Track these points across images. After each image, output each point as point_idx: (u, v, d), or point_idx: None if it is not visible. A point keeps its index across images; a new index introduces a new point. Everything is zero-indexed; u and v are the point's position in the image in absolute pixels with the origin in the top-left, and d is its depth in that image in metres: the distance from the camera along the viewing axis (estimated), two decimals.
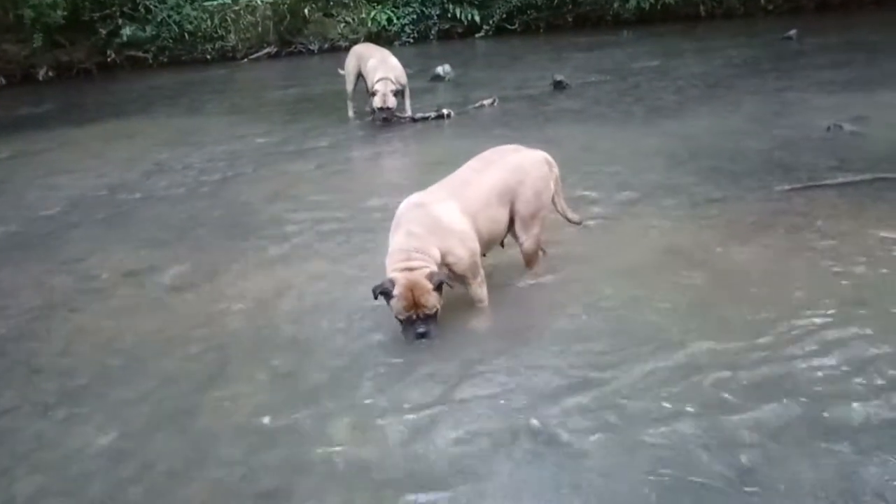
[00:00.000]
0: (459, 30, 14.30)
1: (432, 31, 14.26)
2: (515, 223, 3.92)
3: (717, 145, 6.36)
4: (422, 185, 5.84)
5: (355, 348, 3.55)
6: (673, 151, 6.27)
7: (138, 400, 3.29)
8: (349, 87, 8.48)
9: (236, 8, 13.46)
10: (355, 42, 10.63)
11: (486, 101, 8.64)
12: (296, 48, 13.94)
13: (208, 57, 13.66)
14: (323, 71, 11.83)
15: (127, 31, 13.07)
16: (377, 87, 7.79)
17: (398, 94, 7.97)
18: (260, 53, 13.81)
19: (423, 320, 3.43)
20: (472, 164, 3.93)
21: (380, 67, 7.90)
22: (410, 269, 3.37)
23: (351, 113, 8.52)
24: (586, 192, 5.40)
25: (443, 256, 3.50)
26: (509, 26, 14.36)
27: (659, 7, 13.83)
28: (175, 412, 3.17)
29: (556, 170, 4.09)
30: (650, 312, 3.62)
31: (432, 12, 14.13)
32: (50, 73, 13.02)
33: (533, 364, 3.27)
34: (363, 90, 8.29)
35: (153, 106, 10.46)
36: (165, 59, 13.49)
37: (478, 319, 3.71)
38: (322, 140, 7.73)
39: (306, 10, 13.78)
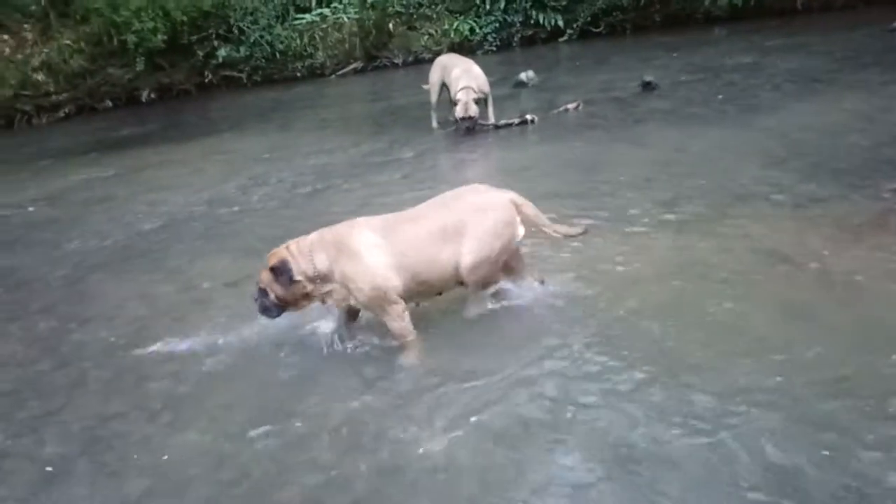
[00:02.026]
0: (543, 35, 14.19)
1: (515, 39, 14.22)
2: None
3: (819, 143, 6.01)
4: (503, 188, 5.81)
5: (440, 358, 3.55)
6: (771, 150, 5.98)
7: (237, 405, 3.40)
8: (433, 97, 8.55)
9: (324, 26, 13.85)
10: (438, 53, 10.72)
11: (571, 105, 8.52)
12: (381, 62, 14.21)
13: (298, 74, 14.12)
14: (407, 83, 11.99)
15: (222, 53, 13.68)
16: (459, 96, 7.83)
17: (481, 102, 7.97)
18: (347, 69, 14.16)
19: (260, 292, 3.63)
20: (432, 201, 3.81)
21: (463, 77, 7.93)
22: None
23: (435, 123, 8.59)
24: (680, 194, 5.21)
25: (342, 281, 3.56)
26: (594, 29, 14.13)
27: (752, 2, 13.27)
28: (271, 417, 3.25)
29: (528, 209, 3.81)
30: (753, 319, 3.44)
31: (515, 19, 14.09)
32: (152, 95, 13.79)
33: (644, 370, 3.16)
34: (447, 100, 8.34)
35: (247, 123, 10.89)
36: (258, 78, 14.03)
37: (405, 355, 3.60)
38: (407, 151, 7.82)
39: (391, 25, 14.03)
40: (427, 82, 8.66)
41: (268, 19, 13.81)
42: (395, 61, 14.19)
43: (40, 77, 12.95)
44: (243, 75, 14.01)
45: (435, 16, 14.14)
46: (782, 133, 6.40)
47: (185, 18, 13.23)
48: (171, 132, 10.92)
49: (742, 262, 4.06)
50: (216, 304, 4.57)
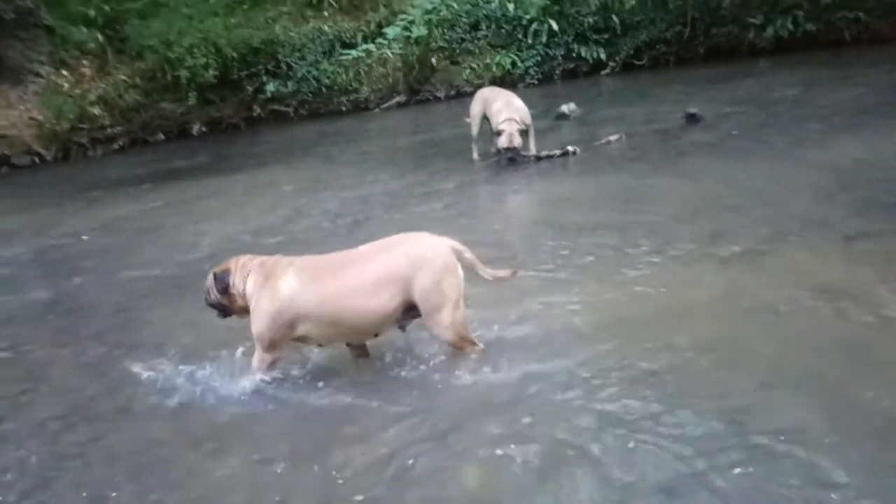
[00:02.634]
0: (585, 68, 14.23)
1: (556, 72, 14.29)
2: (422, 315, 3.71)
3: (870, 176, 5.87)
4: (546, 222, 5.80)
5: (477, 389, 3.52)
6: (820, 183, 5.85)
7: (277, 435, 3.41)
8: (474, 130, 8.62)
9: (369, 61, 14.13)
10: (480, 87, 10.81)
11: (613, 137, 8.49)
12: (423, 96, 14.41)
13: (343, 108, 14.40)
14: (449, 117, 12.13)
15: (271, 88, 14.05)
16: (502, 126, 7.88)
17: (522, 134, 8.01)
18: (390, 103, 14.39)
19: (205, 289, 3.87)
20: (371, 246, 3.82)
21: (505, 109, 7.99)
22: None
23: (476, 155, 8.64)
24: (726, 227, 5.12)
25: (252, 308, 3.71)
26: (637, 62, 14.13)
27: (799, 34, 13.12)
28: (311, 447, 3.26)
29: (467, 254, 3.80)
30: (803, 356, 3.34)
31: (556, 53, 14.18)
32: (202, 129, 14.20)
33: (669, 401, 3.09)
34: (488, 133, 8.40)
35: (293, 156, 11.12)
36: (305, 112, 14.35)
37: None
38: (448, 182, 7.87)
39: (434, 60, 14.25)
40: (469, 115, 8.75)
41: (315, 55, 14.16)
42: (438, 95, 14.37)
43: (96, 111, 13.46)
44: (290, 109, 14.34)
45: (477, 50, 14.32)
46: (832, 166, 6.27)
47: (235, 55, 13.65)
48: (220, 164, 11.21)
49: (792, 297, 3.95)
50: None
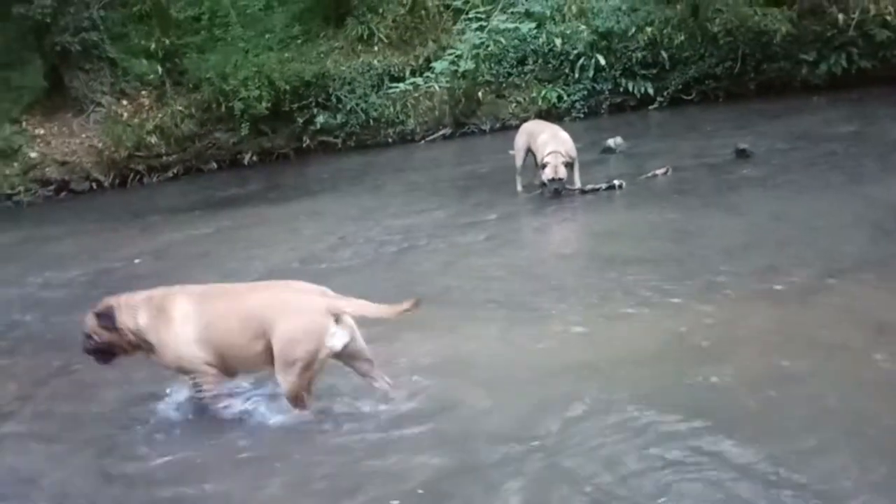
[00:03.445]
0: (632, 103, 14.17)
1: (603, 106, 14.26)
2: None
3: None
4: (590, 255, 5.75)
5: (514, 422, 3.47)
6: (879, 221, 5.67)
7: (314, 465, 3.41)
8: (518, 162, 8.63)
9: (416, 94, 14.35)
10: (525, 120, 10.85)
11: (660, 171, 8.40)
12: (469, 128, 14.53)
13: (390, 140, 14.60)
14: (493, 149, 12.18)
15: (320, 119, 14.35)
16: (548, 159, 7.86)
17: (568, 167, 7.98)
18: (436, 135, 14.54)
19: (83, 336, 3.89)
20: (257, 283, 3.98)
21: (550, 142, 7.99)
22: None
23: (520, 187, 8.64)
24: (778, 262, 4.99)
25: (155, 345, 3.75)
26: (685, 96, 14.02)
27: (853, 71, 12.86)
28: (353, 477, 3.24)
29: (350, 309, 3.66)
30: (859, 398, 3.20)
31: (603, 87, 14.16)
32: (254, 158, 14.54)
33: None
34: (532, 166, 8.40)
35: (340, 185, 11.30)
36: (352, 144, 14.59)
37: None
38: (491, 213, 7.88)
39: (480, 93, 14.39)
40: (513, 148, 8.77)
41: (364, 88, 14.44)
42: (483, 128, 14.47)
43: (153, 139, 13.93)
44: (338, 140, 14.60)
45: (523, 84, 14.40)
46: (889, 203, 6.09)
47: (287, 87, 14.01)
48: (269, 193, 11.45)
49: (846, 335, 3.82)
50: None
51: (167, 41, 14.43)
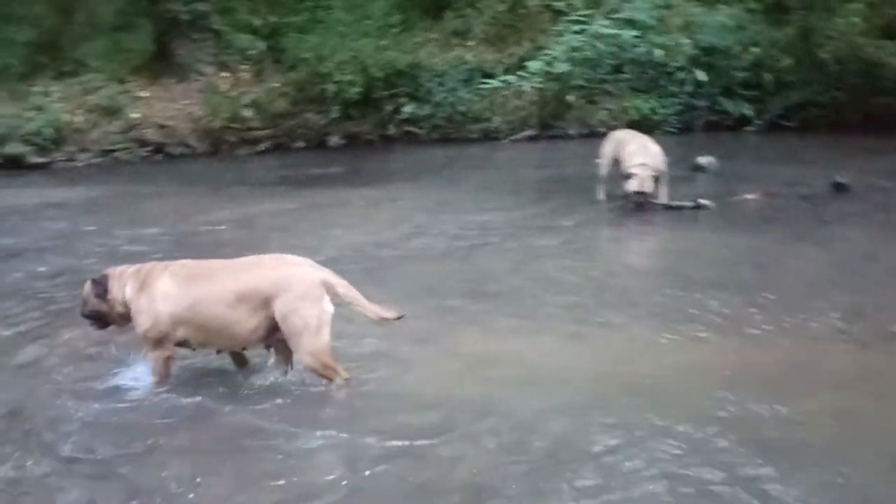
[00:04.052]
0: (728, 123, 13.73)
1: (697, 123, 13.86)
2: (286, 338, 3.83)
3: None
4: (665, 273, 5.61)
5: (573, 427, 3.42)
6: None
7: (369, 446, 3.45)
8: (603, 170, 8.49)
9: (505, 93, 14.31)
10: (614, 129, 10.65)
11: (750, 196, 8.10)
12: (555, 132, 14.40)
13: (473, 136, 14.62)
14: (578, 154, 12.02)
15: (408, 109, 14.51)
16: (635, 170, 7.68)
17: (655, 181, 7.79)
18: (520, 135, 14.47)
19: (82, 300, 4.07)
20: (243, 259, 4.03)
21: (639, 153, 7.82)
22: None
23: (601, 195, 8.50)
24: (864, 303, 4.74)
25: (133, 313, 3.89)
26: (785, 122, 13.47)
27: None
28: (404, 459, 3.27)
29: (341, 289, 3.85)
30: None
31: (700, 104, 13.78)
32: (340, 141, 14.84)
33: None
34: (616, 175, 8.24)
35: (420, 176, 11.40)
36: (436, 136, 14.69)
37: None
38: (569, 219, 7.78)
39: (570, 97, 14.24)
40: (599, 155, 8.63)
41: (454, 82, 14.51)
42: (570, 132, 14.32)
43: (248, 113, 14.41)
44: (423, 131, 14.73)
45: (617, 92, 14.17)
46: None
47: (380, 75, 14.22)
48: (351, 176, 11.66)
49: None
50: (363, 340, 4.75)
51: (272, 18, 14.89)
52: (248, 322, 3.82)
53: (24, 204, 9.96)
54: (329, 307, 3.83)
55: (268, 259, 4.08)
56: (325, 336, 3.82)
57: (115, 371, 4.19)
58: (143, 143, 14.11)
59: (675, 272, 6.03)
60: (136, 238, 7.69)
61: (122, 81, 14.45)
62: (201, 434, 3.62)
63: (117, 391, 4.01)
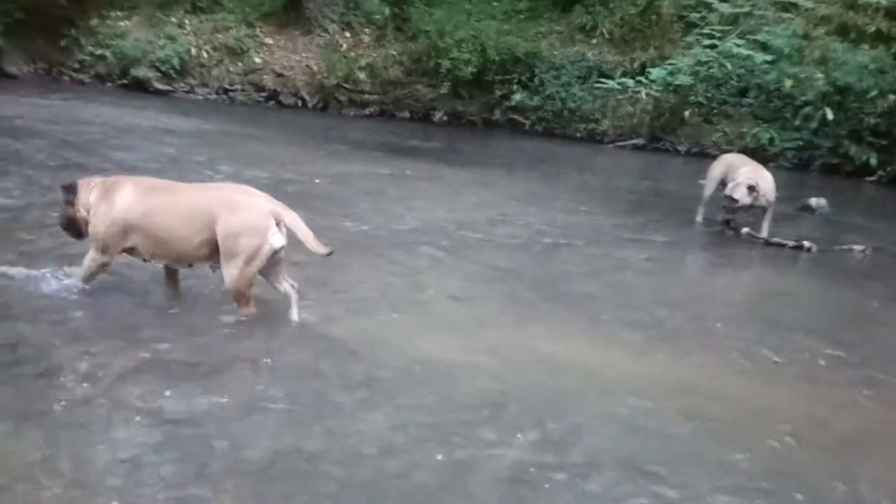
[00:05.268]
0: (848, 168, 12.93)
1: (816, 162, 13.14)
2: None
3: None
4: (752, 309, 5.37)
5: (616, 440, 3.33)
6: None
7: (416, 409, 3.49)
8: (707, 192, 8.16)
9: (620, 97, 13.99)
10: (726, 152, 10.24)
11: (858, 247, 7.61)
12: (663, 145, 13.99)
13: (578, 135, 14.39)
14: (683, 172, 11.66)
15: (517, 97, 14.43)
16: (740, 178, 7.35)
17: (761, 211, 7.43)
18: (626, 142, 14.14)
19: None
20: (207, 184, 4.62)
21: (751, 175, 7.49)
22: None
23: (699, 218, 8.19)
24: None
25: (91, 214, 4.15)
26: None
27: None
28: (439, 442, 3.28)
29: (287, 219, 4.06)
30: None
31: (822, 143, 13.04)
32: (444, 118, 14.94)
33: None
34: (719, 200, 7.90)
35: (515, 165, 11.33)
36: (540, 129, 14.55)
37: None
38: (660, 235, 7.54)
39: (687, 113, 13.78)
40: (705, 177, 8.30)
41: (570, 77, 14.30)
42: (679, 148, 13.88)
43: (362, 76, 14.71)
44: (528, 122, 14.62)
45: (736, 116, 13.62)
46: None
47: (497, 58, 14.18)
48: (448, 154, 11.71)
49: None
50: (432, 312, 4.81)
51: None
52: (193, 238, 4.06)
53: (140, 125, 10.54)
54: (275, 240, 4.03)
55: (226, 185, 4.52)
56: (254, 267, 4.06)
57: None
58: (259, 88, 14.65)
59: (761, 310, 5.76)
60: (236, 176, 7.97)
61: (251, 25, 15.01)
62: None
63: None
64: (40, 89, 12.66)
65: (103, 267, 4.28)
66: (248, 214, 4.03)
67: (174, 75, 14.21)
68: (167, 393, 3.39)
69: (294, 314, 4.29)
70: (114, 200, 4.14)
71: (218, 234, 4.01)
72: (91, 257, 4.25)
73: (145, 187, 4.23)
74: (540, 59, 14.35)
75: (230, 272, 4.05)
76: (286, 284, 4.32)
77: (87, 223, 4.22)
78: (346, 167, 9.40)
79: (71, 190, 4.24)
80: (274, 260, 4.15)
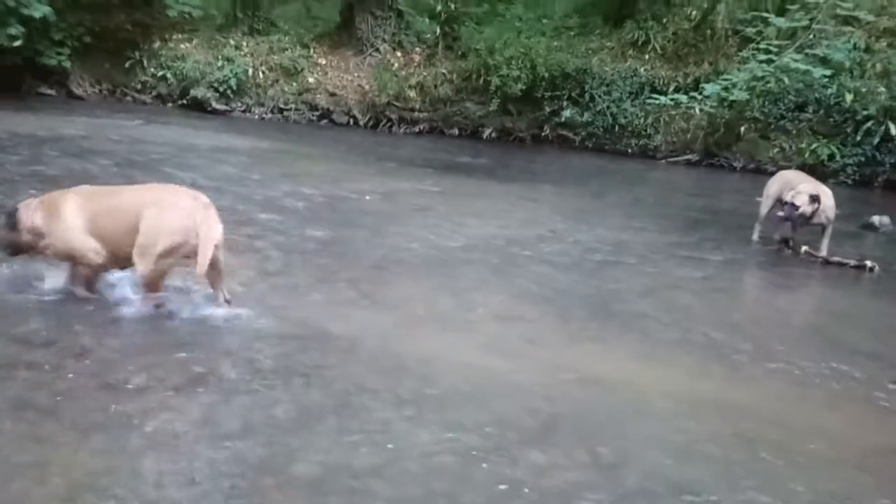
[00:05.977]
0: None
1: (879, 179, 12.66)
2: None
3: None
4: (811, 329, 5.20)
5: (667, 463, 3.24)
6: None
7: (465, 428, 3.46)
8: (764, 210, 7.95)
9: (673, 112, 13.78)
10: (784, 168, 9.97)
11: None
12: (718, 161, 13.70)
13: (629, 151, 14.21)
14: (739, 189, 11.38)
15: (567, 113, 14.35)
16: (801, 188, 7.16)
17: (813, 225, 7.21)
18: (680, 158, 13.90)
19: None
20: (137, 185, 4.74)
21: (812, 190, 7.28)
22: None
23: (756, 236, 7.97)
24: None
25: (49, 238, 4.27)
26: None
27: None
28: (488, 462, 3.25)
29: (204, 228, 4.13)
30: None
31: (886, 159, 12.57)
32: (493, 134, 14.96)
33: None
34: (776, 218, 7.68)
35: (566, 181, 11.25)
36: (590, 145, 14.42)
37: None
38: (716, 254, 7.36)
39: (742, 128, 13.48)
40: (762, 195, 8.09)
41: (621, 93, 14.16)
42: (734, 164, 13.57)
43: (412, 94, 14.86)
44: (577, 138, 14.50)
45: (795, 131, 13.24)
46: None
47: (546, 75, 14.15)
48: (498, 170, 11.72)
49: None
50: (481, 330, 4.79)
51: (452, 6, 15.22)
52: (128, 237, 4.19)
53: (200, 144, 10.87)
54: (195, 241, 4.13)
55: (159, 186, 4.74)
56: (165, 265, 4.22)
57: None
58: (312, 107, 14.95)
59: (822, 332, 5.56)
60: (293, 193, 8.16)
61: (305, 46, 15.37)
62: None
63: None
64: (106, 110, 13.20)
65: (102, 268, 4.42)
66: (169, 211, 4.22)
67: (231, 95, 14.62)
68: (221, 407, 3.47)
69: (211, 310, 4.42)
70: (61, 213, 4.30)
71: (140, 227, 4.19)
72: (84, 266, 4.38)
73: (86, 194, 4.44)
74: (590, 74, 14.26)
75: (145, 264, 4.20)
76: (221, 295, 4.46)
77: (29, 244, 4.34)
78: (397, 184, 9.50)
79: (11, 216, 4.36)
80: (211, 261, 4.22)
